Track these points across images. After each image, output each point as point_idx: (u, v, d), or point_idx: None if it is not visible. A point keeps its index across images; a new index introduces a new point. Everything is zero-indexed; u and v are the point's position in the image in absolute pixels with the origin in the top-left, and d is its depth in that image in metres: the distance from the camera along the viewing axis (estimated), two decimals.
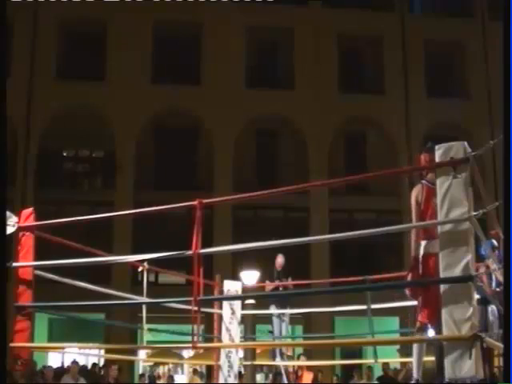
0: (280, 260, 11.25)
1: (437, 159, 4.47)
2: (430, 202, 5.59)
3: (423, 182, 5.78)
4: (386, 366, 13.78)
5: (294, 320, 13.83)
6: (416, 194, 5.77)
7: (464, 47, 25.04)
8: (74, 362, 12.99)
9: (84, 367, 15.17)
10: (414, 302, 5.92)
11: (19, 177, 21.92)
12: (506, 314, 4.14)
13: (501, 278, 6.83)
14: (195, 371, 17.93)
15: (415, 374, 5.71)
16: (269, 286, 11.15)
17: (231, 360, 9.24)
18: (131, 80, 22.74)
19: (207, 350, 12.86)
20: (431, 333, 5.74)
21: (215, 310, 9.80)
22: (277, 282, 11.13)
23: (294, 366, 13.09)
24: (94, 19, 23.40)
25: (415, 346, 5.72)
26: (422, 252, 5.62)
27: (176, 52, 24.06)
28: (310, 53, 23.94)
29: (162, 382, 20.23)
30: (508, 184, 4.37)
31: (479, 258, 7.36)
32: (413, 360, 5.81)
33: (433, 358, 6.18)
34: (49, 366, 14.95)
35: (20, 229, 6.16)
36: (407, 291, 5.75)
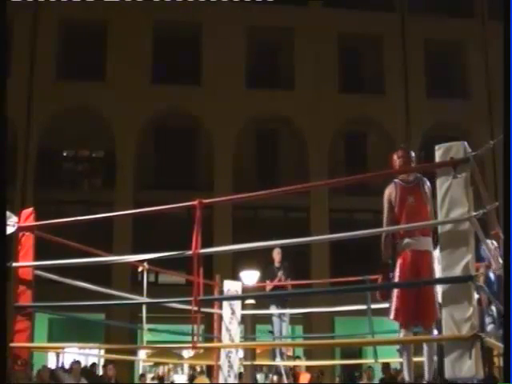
0: (277, 255, 11.18)
1: (437, 159, 4.47)
2: (405, 200, 5.69)
3: (396, 181, 5.86)
4: (386, 366, 13.68)
5: (294, 320, 13.83)
6: (389, 193, 5.84)
7: (464, 47, 25.05)
8: (77, 362, 12.96)
9: (85, 367, 15.16)
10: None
11: (19, 177, 21.92)
12: (506, 314, 4.14)
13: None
14: (201, 371, 17.82)
15: (407, 377, 5.69)
16: (269, 285, 11.12)
17: (231, 360, 9.23)
18: (131, 80, 22.74)
19: (207, 350, 12.86)
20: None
21: (215, 310, 9.79)
22: (277, 280, 11.08)
23: (292, 367, 13.07)
24: (94, 19, 23.41)
25: (404, 348, 5.74)
26: (400, 249, 5.66)
27: (176, 52, 24.07)
28: (310, 53, 23.94)
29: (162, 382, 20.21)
30: (508, 184, 4.37)
31: (479, 259, 7.39)
32: (403, 362, 5.82)
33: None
34: (45, 366, 14.92)
35: (20, 229, 6.15)
36: (378, 295, 5.83)
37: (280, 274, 11.04)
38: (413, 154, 6.09)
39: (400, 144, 6.32)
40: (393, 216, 5.73)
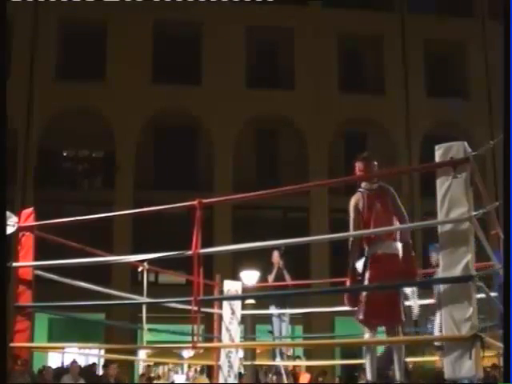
0: (276, 257, 11.20)
1: (437, 159, 4.48)
2: (372, 207, 5.88)
3: (361, 190, 6.02)
4: None
5: (294, 320, 13.81)
6: (356, 201, 6.03)
7: (464, 47, 25.05)
8: (75, 362, 12.96)
9: (85, 367, 15.15)
10: (411, 302, 5.96)
11: (19, 176, 21.90)
12: (506, 313, 4.14)
13: None
14: (201, 371, 17.80)
15: (369, 377, 5.76)
16: (269, 282, 11.13)
17: (231, 360, 9.24)
18: (131, 80, 22.73)
19: (207, 350, 12.83)
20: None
21: (215, 310, 9.79)
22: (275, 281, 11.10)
23: (292, 367, 13.06)
24: (94, 19, 23.40)
25: (368, 350, 5.81)
26: (372, 251, 5.81)
27: (176, 52, 24.06)
28: (310, 53, 23.93)
29: (161, 381, 20.17)
30: (508, 184, 4.37)
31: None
32: (366, 362, 5.88)
33: (432, 358, 6.16)
34: (48, 367, 14.92)
35: (20, 229, 6.15)
36: (346, 301, 5.95)
37: (285, 273, 11.08)
38: (375, 163, 6.10)
39: (362, 153, 6.23)
40: (359, 222, 5.91)
